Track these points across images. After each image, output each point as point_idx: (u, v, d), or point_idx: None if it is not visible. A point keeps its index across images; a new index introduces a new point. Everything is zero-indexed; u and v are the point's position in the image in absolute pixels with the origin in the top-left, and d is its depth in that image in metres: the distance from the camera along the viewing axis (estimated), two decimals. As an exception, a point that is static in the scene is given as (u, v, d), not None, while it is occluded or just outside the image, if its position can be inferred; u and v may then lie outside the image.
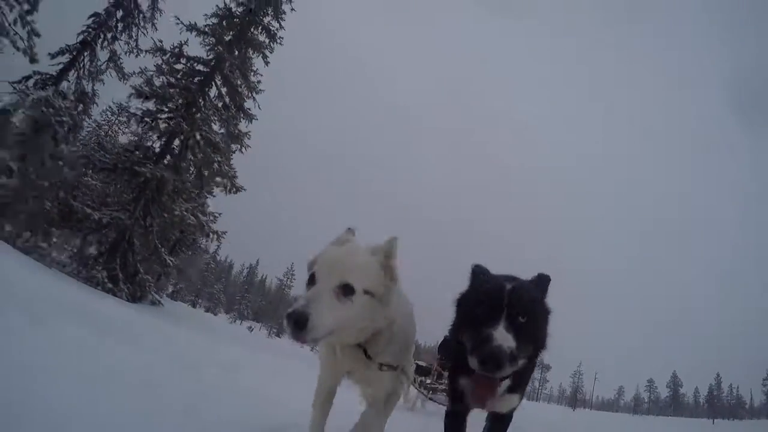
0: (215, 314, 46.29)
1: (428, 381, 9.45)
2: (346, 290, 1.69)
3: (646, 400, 66.47)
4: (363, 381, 2.22)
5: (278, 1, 15.81)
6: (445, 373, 8.53)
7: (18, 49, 9.55)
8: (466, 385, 1.78)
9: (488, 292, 1.70)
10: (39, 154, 8.90)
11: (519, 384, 1.90)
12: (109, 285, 9.78)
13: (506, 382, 1.78)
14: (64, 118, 9.49)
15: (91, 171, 10.80)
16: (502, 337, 1.52)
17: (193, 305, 40.86)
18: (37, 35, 9.81)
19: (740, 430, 30.92)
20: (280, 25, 15.65)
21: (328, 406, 2.29)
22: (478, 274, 1.94)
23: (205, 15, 14.22)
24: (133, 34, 15.14)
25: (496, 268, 1.97)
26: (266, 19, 15.03)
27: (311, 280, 1.73)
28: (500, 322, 1.57)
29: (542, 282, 1.92)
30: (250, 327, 42.74)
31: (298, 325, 1.51)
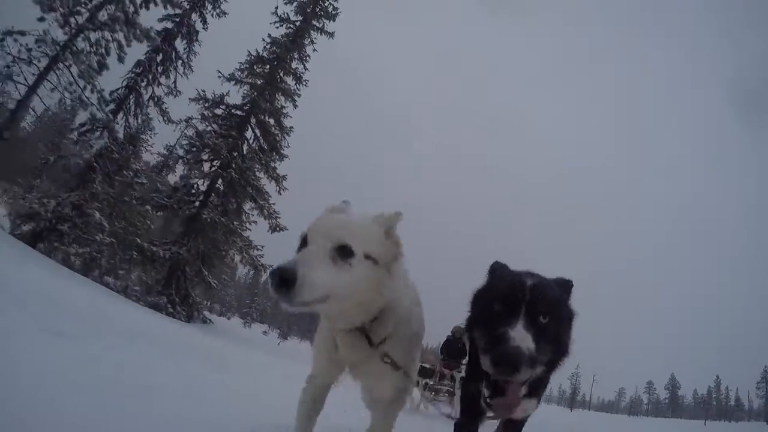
0: (228, 318, 47.93)
1: (431, 382, 9.13)
2: (344, 252, 1.46)
3: (645, 402, 68.02)
4: (366, 376, 1.90)
5: (302, 45, 17.37)
6: (448, 373, 8.98)
7: (97, 120, 11.05)
8: (488, 395, 1.53)
9: (506, 287, 1.53)
10: (122, 212, 10.50)
11: (537, 389, 1.71)
12: (171, 309, 11.46)
13: (524, 388, 1.57)
14: (143, 181, 11.09)
15: (151, 210, 12.42)
16: (520, 337, 1.34)
17: (209, 310, 42.51)
18: (106, 102, 11.31)
19: (728, 430, 32.22)
20: (305, 66, 17.19)
21: (318, 409, 2.00)
22: (497, 270, 1.74)
23: (240, 63, 15.78)
24: (171, 76, 16.79)
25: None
26: (293, 64, 16.58)
27: (302, 246, 1.52)
28: (519, 321, 1.39)
29: (564, 286, 1.73)
30: (265, 331, 44.31)
31: (284, 282, 1.27)
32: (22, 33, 9.54)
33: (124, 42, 10.77)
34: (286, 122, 15.35)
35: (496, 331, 1.38)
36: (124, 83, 15.84)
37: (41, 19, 9.76)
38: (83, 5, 10.73)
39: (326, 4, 18.73)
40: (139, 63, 16.30)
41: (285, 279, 1.27)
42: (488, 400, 1.51)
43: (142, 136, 23.72)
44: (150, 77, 15.97)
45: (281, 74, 16.07)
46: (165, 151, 24.00)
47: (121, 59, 10.88)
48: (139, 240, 11.07)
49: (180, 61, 16.32)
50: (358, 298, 1.54)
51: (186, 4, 17.12)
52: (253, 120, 14.83)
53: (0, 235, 8.70)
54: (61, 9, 9.66)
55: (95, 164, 11.65)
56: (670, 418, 52.28)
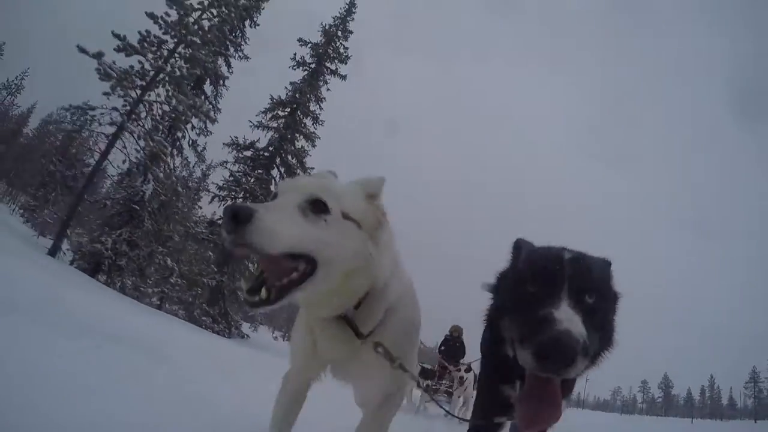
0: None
1: (430, 383, 9.00)
2: (317, 207, 1.24)
3: (640, 401, 70.11)
4: (353, 374, 1.63)
5: (318, 86, 19.23)
6: (447, 373, 9.13)
7: (140, 164, 12.91)
8: (516, 401, 1.21)
9: (541, 262, 1.23)
10: (188, 256, 12.49)
11: (566, 388, 1.31)
12: (217, 328, 13.49)
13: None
14: (202, 230, 13.04)
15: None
16: (568, 318, 1.03)
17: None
18: (171, 168, 13.16)
19: (714, 428, 33.85)
20: (320, 107, 19.04)
21: (296, 410, 1.71)
22: (524, 247, 1.42)
23: (264, 109, 17.69)
24: (202, 118, 18.69)
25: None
26: (311, 106, 18.43)
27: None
28: (562, 300, 1.10)
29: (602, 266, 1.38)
30: (275, 336, 46.04)
31: (238, 218, 1.04)
32: (92, 108, 11.43)
33: (181, 111, 12.72)
34: (307, 162, 17.29)
35: (534, 313, 1.09)
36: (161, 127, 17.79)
37: (107, 94, 11.64)
38: (137, 75, 12.59)
39: (337, 45, 20.58)
40: (173, 109, 18.22)
41: (237, 215, 1.04)
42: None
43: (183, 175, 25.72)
44: (183, 119, 17.88)
45: (300, 116, 17.95)
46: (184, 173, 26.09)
47: (175, 127, 12.81)
48: (204, 280, 13.16)
49: (209, 105, 18.18)
50: (340, 265, 1.28)
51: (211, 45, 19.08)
52: (278, 160, 16.76)
53: (76, 273, 10.48)
54: (121, 81, 11.54)
55: (147, 207, 13.59)
56: (663, 417, 54.21)
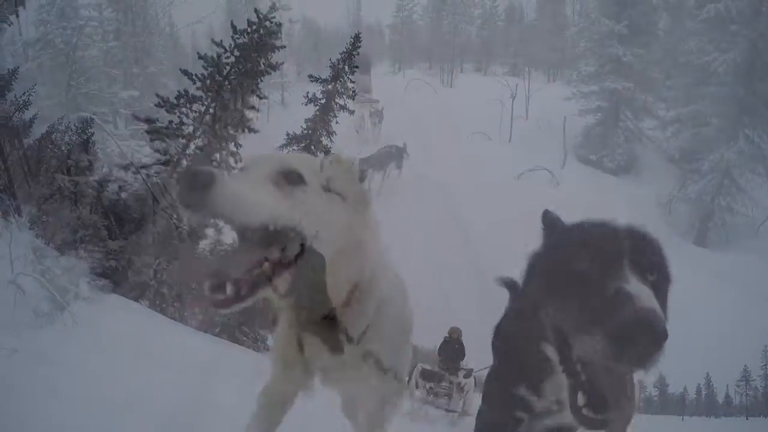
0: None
1: (430, 386, 8.81)
2: (292, 178, 1.04)
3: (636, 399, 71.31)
4: (345, 381, 1.44)
5: (328, 121, 21.15)
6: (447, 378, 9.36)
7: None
8: (584, 403, 0.97)
9: (593, 235, 1.04)
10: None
11: None
12: (256, 346, 15.25)
13: None
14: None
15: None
16: (645, 294, 0.85)
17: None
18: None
19: (703, 425, 34.84)
20: (331, 140, 20.88)
21: (272, 429, 1.41)
22: (555, 224, 1.25)
23: (281, 144, 19.58)
24: (224, 149, 20.69)
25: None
26: (323, 140, 20.28)
27: None
28: (629, 275, 0.90)
29: None
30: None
31: (199, 183, 0.85)
32: (145, 165, 13.25)
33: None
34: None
35: (597, 294, 0.89)
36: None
37: (157, 151, 13.47)
38: (177, 130, 14.37)
39: (344, 80, 22.38)
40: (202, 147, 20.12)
41: (197, 179, 0.85)
42: (586, 412, 0.96)
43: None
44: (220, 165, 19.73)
45: (314, 150, 19.76)
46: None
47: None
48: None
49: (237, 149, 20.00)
50: (328, 244, 1.06)
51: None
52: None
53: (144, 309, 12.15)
54: (172, 141, 13.43)
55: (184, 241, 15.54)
56: (658, 415, 55.54)
